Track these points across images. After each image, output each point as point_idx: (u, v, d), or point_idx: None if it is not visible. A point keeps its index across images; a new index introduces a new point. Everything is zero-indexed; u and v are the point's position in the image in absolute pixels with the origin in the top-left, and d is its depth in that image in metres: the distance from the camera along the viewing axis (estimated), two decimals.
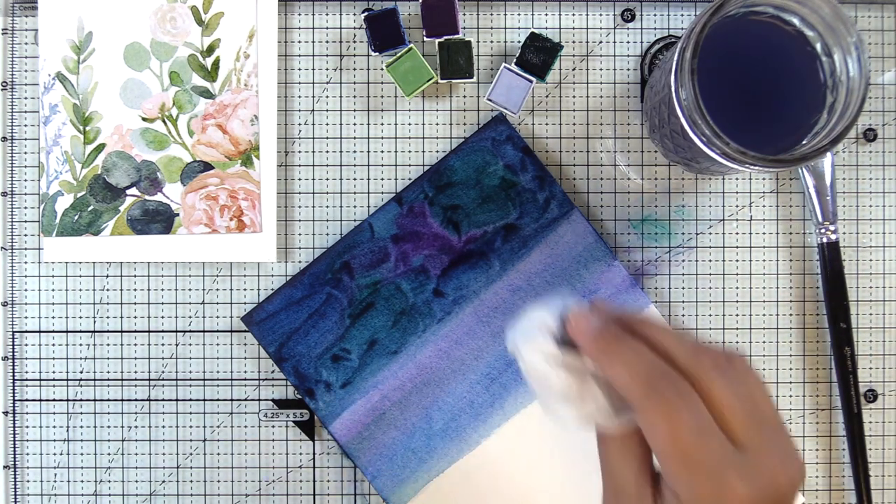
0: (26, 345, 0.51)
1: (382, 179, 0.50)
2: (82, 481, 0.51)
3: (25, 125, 0.51)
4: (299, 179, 0.50)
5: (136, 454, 0.51)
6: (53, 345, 0.50)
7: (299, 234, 0.50)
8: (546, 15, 0.50)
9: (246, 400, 0.50)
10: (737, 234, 0.50)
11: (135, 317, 0.50)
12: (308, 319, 0.49)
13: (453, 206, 0.48)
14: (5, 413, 0.51)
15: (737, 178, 0.50)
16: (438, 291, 0.49)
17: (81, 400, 0.50)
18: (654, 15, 0.50)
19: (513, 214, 0.49)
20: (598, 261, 0.49)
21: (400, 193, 0.49)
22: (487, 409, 0.49)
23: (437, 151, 0.50)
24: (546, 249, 0.49)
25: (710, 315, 0.50)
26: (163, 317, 0.50)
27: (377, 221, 0.49)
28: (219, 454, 0.50)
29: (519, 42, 0.50)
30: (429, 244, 0.48)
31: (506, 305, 0.49)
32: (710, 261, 0.50)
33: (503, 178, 0.48)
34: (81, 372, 0.50)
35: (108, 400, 0.51)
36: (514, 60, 0.49)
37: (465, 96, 0.50)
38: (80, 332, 0.50)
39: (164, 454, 0.51)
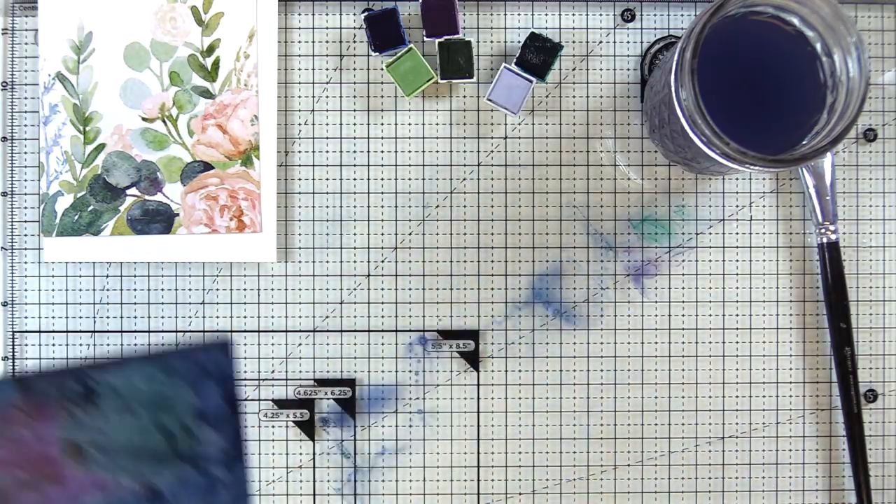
0: (26, 345, 0.51)
1: (382, 179, 0.50)
2: None
3: (25, 125, 0.51)
4: (299, 179, 0.50)
5: None
6: (53, 345, 0.50)
7: (299, 234, 0.50)
8: (546, 15, 0.50)
9: (246, 400, 0.50)
10: (737, 234, 0.50)
11: (135, 317, 0.50)
12: None
13: (94, 427, 0.33)
14: None
15: (737, 178, 0.50)
16: None
17: None
18: (654, 15, 0.50)
19: (170, 481, 0.33)
20: None
21: (26, 377, 0.34)
22: None
23: (437, 151, 0.50)
24: None
25: (710, 315, 0.50)
26: (163, 317, 0.50)
27: None
28: None
29: (519, 42, 0.50)
30: (29, 463, 0.32)
31: None
32: (710, 261, 0.50)
33: (184, 427, 0.34)
34: None
35: None
36: (514, 60, 0.49)
37: (465, 96, 0.50)
38: (80, 332, 0.50)
39: None
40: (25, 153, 0.50)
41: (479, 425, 0.51)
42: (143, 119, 0.49)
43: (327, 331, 0.51)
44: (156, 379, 0.34)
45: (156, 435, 0.33)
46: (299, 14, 0.50)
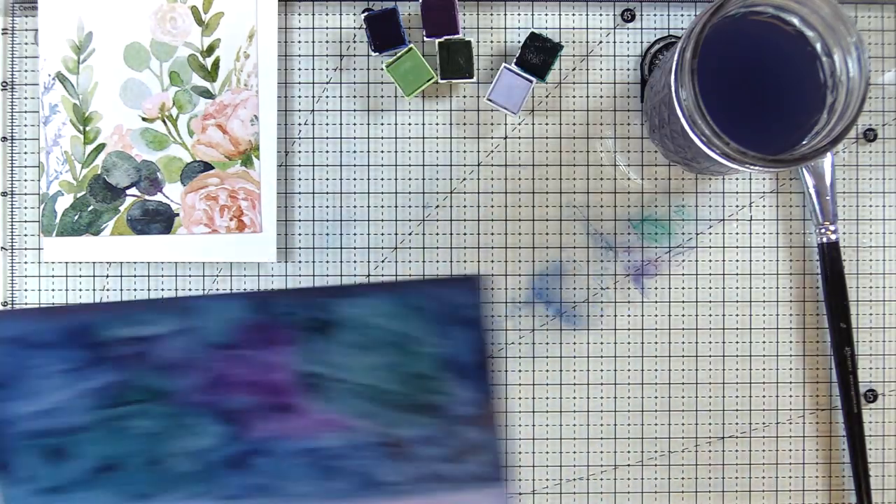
0: None
1: (382, 179, 0.50)
2: None
3: (25, 125, 0.51)
4: (299, 179, 0.50)
5: None
6: None
7: (299, 234, 0.50)
8: (546, 15, 0.50)
9: None
10: (737, 234, 0.50)
11: None
12: (39, 378, 0.32)
13: (329, 362, 0.30)
14: None
15: (737, 178, 0.50)
16: (241, 461, 0.30)
17: None
18: (654, 15, 0.50)
19: (416, 430, 0.30)
20: None
21: (266, 296, 0.31)
22: None
23: (437, 151, 0.50)
24: None
25: (710, 315, 0.50)
26: None
27: (215, 310, 0.32)
28: None
29: (519, 42, 0.50)
30: (267, 389, 0.30)
31: None
32: (710, 261, 0.50)
33: (426, 376, 0.29)
34: None
35: None
36: (514, 60, 0.49)
37: (465, 96, 0.50)
38: None
39: None
40: (25, 153, 0.50)
41: None
42: (143, 119, 0.49)
43: None
44: (397, 315, 0.30)
45: (395, 379, 0.30)
46: (299, 14, 0.50)
